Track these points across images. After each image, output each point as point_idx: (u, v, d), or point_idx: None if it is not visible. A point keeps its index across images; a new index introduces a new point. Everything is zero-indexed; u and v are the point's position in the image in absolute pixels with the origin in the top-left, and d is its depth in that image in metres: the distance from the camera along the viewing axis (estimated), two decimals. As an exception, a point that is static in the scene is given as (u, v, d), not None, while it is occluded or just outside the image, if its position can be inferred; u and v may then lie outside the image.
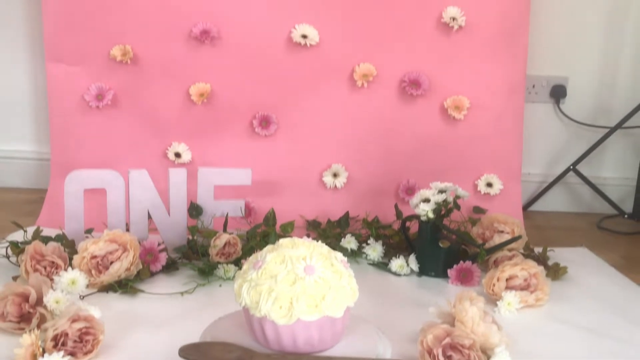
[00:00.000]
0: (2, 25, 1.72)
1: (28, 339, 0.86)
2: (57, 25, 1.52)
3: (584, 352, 1.00)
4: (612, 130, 1.72)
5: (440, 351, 0.87)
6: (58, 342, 0.87)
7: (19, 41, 1.73)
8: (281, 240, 0.79)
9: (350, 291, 0.77)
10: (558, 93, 1.80)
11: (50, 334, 0.87)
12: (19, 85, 1.76)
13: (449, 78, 1.56)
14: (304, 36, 1.52)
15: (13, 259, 1.22)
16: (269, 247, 0.79)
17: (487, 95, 1.57)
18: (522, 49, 1.58)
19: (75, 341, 0.88)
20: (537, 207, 1.84)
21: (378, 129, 1.58)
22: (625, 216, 1.76)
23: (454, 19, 1.53)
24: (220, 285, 1.19)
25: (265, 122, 1.56)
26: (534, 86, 1.80)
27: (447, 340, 0.88)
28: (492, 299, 1.15)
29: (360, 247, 1.36)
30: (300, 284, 0.73)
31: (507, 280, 1.15)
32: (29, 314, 0.96)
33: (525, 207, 1.82)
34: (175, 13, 1.51)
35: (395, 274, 1.29)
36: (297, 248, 0.76)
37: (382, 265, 1.31)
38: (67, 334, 0.88)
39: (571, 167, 1.76)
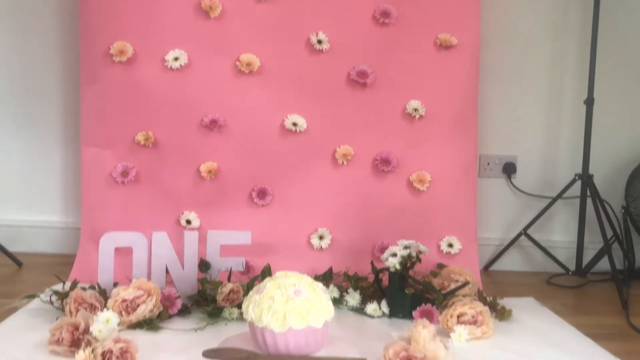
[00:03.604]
0: (41, 115, 2.04)
1: (82, 354, 1.12)
2: (92, 115, 1.84)
3: (515, 367, 1.26)
4: (554, 200, 2.03)
5: (398, 362, 1.14)
6: (105, 357, 1.13)
7: (54, 129, 2.05)
8: (277, 273, 1.07)
9: (327, 309, 1.04)
10: (509, 169, 2.12)
11: (99, 350, 1.13)
12: (52, 165, 2.07)
13: (413, 157, 1.87)
14: (295, 124, 1.85)
15: (55, 305, 1.48)
16: (268, 278, 1.07)
17: (446, 170, 1.88)
18: (473, 133, 1.91)
19: (117, 357, 1.14)
20: (496, 267, 2.11)
21: (356, 199, 1.87)
22: (570, 273, 2.04)
23: (415, 109, 1.87)
24: (226, 324, 1.45)
25: (262, 193, 1.86)
26: (488, 164, 2.12)
27: (404, 354, 1.15)
28: (447, 332, 1.41)
29: (341, 296, 1.62)
30: (291, 303, 1.01)
31: (458, 316, 1.42)
32: (78, 340, 1.22)
33: (486, 267, 2.10)
34: (189, 106, 1.83)
35: (370, 316, 1.55)
36: (289, 278, 1.05)
37: (360, 310, 1.58)
38: (111, 351, 1.14)
39: (522, 231, 2.05)
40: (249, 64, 1.83)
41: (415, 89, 1.87)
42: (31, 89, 2.04)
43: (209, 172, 1.83)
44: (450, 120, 1.88)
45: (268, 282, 1.04)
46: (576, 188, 2.02)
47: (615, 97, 2.11)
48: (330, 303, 1.06)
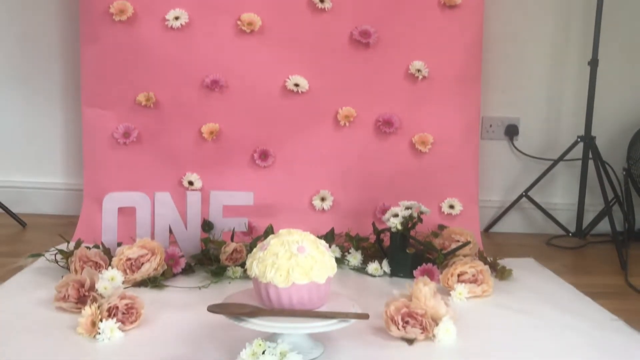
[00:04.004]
0: (41, 76, 2.03)
1: (89, 310, 1.14)
2: (92, 75, 1.83)
3: (512, 324, 1.28)
4: (555, 162, 2.03)
5: (399, 318, 1.16)
6: (111, 313, 1.15)
7: (54, 90, 2.04)
8: (281, 231, 1.08)
9: (330, 265, 1.05)
10: (512, 131, 2.12)
11: (105, 306, 1.15)
12: (53, 126, 2.06)
13: (416, 118, 1.87)
14: (296, 85, 1.84)
15: (60, 263, 1.50)
16: (271, 235, 1.08)
17: (448, 132, 1.88)
18: (475, 94, 1.90)
19: (123, 313, 1.16)
20: (496, 228, 2.13)
21: (358, 161, 1.88)
22: (570, 235, 2.06)
23: (419, 70, 1.86)
24: (229, 283, 1.47)
25: (264, 155, 1.86)
26: (491, 126, 2.12)
27: (405, 310, 1.17)
28: (447, 291, 1.43)
29: (343, 256, 1.64)
30: (295, 259, 1.02)
31: (458, 275, 1.44)
32: (84, 297, 1.24)
33: (487, 229, 2.12)
34: (190, 66, 1.82)
35: (371, 275, 1.57)
36: (292, 235, 1.06)
37: (361, 269, 1.60)
38: (117, 307, 1.15)
39: (524, 193, 2.06)
40: (250, 24, 1.81)
41: (418, 49, 1.86)
42: (30, 49, 2.03)
43: (211, 133, 1.83)
44: (453, 82, 1.87)
45: (272, 239, 1.05)
46: (578, 150, 2.02)
47: (619, 58, 2.09)
48: (333, 259, 1.08)
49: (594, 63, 1.95)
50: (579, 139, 2.00)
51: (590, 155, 1.98)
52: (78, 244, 1.51)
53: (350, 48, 1.85)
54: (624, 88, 2.12)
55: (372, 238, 1.69)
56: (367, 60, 1.85)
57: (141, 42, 1.80)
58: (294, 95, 1.84)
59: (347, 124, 1.86)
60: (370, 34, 1.84)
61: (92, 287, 1.25)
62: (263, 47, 1.83)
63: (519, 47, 2.08)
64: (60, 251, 1.50)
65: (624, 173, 2.03)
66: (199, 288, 1.42)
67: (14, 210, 1.95)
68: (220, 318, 1.09)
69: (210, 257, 1.55)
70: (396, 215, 1.57)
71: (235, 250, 1.53)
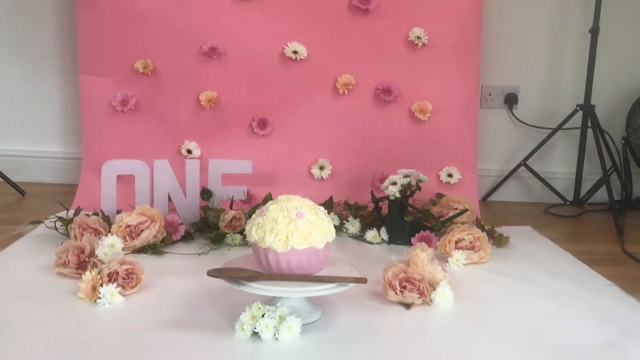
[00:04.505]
0: (37, 43, 2.01)
1: (89, 275, 1.14)
2: (89, 42, 1.82)
3: (508, 290, 1.30)
4: (554, 131, 2.03)
5: (397, 283, 1.17)
6: (111, 278, 1.16)
7: (51, 57, 2.02)
8: (280, 197, 1.08)
9: (329, 230, 1.06)
10: (511, 100, 2.11)
11: (105, 272, 1.15)
12: (50, 94, 2.05)
13: (415, 86, 1.86)
14: (295, 52, 1.83)
15: (60, 230, 1.50)
16: (270, 201, 1.08)
17: (447, 100, 1.87)
18: (475, 62, 1.89)
19: (123, 278, 1.17)
20: (494, 197, 2.14)
21: (357, 129, 1.87)
22: (567, 203, 2.07)
23: (418, 37, 1.84)
24: (229, 249, 1.48)
25: (262, 123, 1.86)
26: (490, 94, 2.11)
27: (403, 275, 1.18)
28: (445, 258, 1.44)
29: (341, 224, 1.65)
30: (294, 224, 1.02)
31: (456, 242, 1.45)
32: (84, 262, 1.25)
33: (485, 198, 2.13)
34: (188, 33, 1.81)
35: (369, 242, 1.58)
36: (291, 201, 1.06)
37: (359, 237, 1.61)
38: (117, 272, 1.16)
39: (522, 162, 2.06)
40: (248, -10, 1.79)
41: (418, 16, 1.84)
42: (26, 16, 2.00)
43: (209, 101, 1.82)
44: (453, 49, 1.86)
45: (271, 205, 1.05)
46: (577, 119, 2.02)
47: (621, 26, 2.07)
48: (332, 225, 1.08)
49: (594, 31, 1.94)
50: (578, 108, 1.99)
51: (589, 124, 1.98)
52: (77, 212, 1.51)
53: (349, 14, 1.83)
54: (625, 56, 2.10)
55: (371, 206, 1.69)
56: (366, 27, 1.84)
57: (138, 8, 1.77)
58: (293, 62, 1.83)
59: (346, 92, 1.85)
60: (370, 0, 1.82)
61: (92, 253, 1.26)
62: (261, 13, 1.81)
63: (519, 14, 2.05)
64: (60, 218, 1.51)
65: (623, 142, 2.03)
66: (199, 255, 1.43)
67: (13, 179, 1.95)
68: (219, 282, 1.10)
69: (209, 225, 1.56)
70: (395, 184, 1.57)
71: (234, 217, 1.53)
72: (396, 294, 1.16)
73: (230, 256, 1.40)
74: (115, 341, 1.00)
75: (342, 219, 1.67)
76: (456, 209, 1.64)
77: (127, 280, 1.17)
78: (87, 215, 1.49)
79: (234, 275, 1.03)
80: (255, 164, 1.67)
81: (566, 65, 2.10)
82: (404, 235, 1.56)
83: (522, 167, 2.06)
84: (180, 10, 1.79)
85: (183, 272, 1.31)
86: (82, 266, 1.24)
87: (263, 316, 1.00)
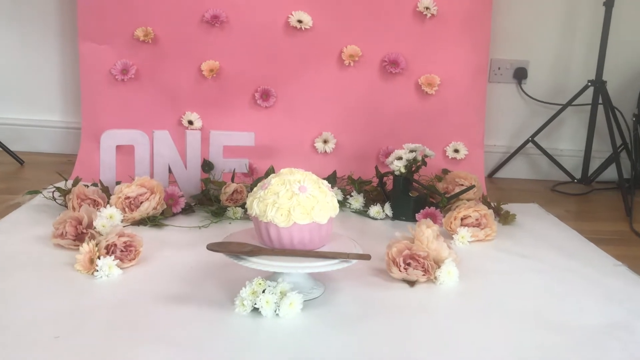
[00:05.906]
0: (36, 10, 1.96)
1: (87, 247, 1.12)
2: (89, 9, 1.77)
3: (514, 268, 1.27)
4: (564, 107, 1.98)
5: (401, 260, 1.14)
6: (109, 250, 1.13)
7: (50, 24, 1.97)
8: (282, 170, 1.05)
9: (332, 205, 1.03)
10: (520, 75, 2.06)
11: (103, 244, 1.13)
12: (49, 62, 2.01)
13: (422, 58, 1.81)
14: (300, 21, 1.78)
15: (58, 201, 1.48)
16: (272, 174, 1.05)
17: (455, 74, 1.82)
18: (485, 35, 1.84)
19: (121, 251, 1.14)
20: (501, 174, 2.10)
21: (362, 102, 1.83)
22: (575, 181, 2.03)
23: (427, 8, 1.79)
24: (230, 223, 1.45)
25: (265, 95, 1.82)
26: (499, 68, 2.06)
27: (407, 252, 1.15)
28: (450, 234, 1.41)
29: (345, 199, 1.62)
30: (296, 198, 0.99)
31: (462, 219, 1.42)
32: (82, 234, 1.22)
33: (491, 174, 2.09)
34: (190, 0, 1.75)
35: (373, 218, 1.55)
36: (294, 174, 1.03)
37: (363, 212, 1.58)
38: (115, 245, 1.14)
39: (530, 139, 2.02)
40: (252, -44, 1.73)
41: (427, -15, 1.78)
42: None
43: (211, 70, 1.78)
44: (462, 21, 1.81)
45: (273, 178, 1.02)
46: (587, 95, 1.97)
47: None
48: (335, 200, 1.05)
49: (609, 3, 1.88)
50: (589, 83, 1.95)
51: (600, 101, 1.93)
52: (76, 182, 1.48)
53: (357, -18, 1.77)
54: (639, 31, 2.04)
55: (375, 181, 1.66)
56: (374, -3, 1.78)
57: (138, -26, 1.73)
58: (297, 32, 1.78)
59: (352, 63, 1.80)
60: (378, -32, 1.76)
61: (90, 225, 1.23)
62: (265, -20, 1.76)
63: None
64: (58, 189, 1.48)
65: (634, 119, 1.98)
66: (199, 228, 1.40)
67: (12, 148, 1.92)
68: (220, 257, 1.07)
69: (210, 198, 1.53)
70: (400, 159, 1.53)
71: (235, 191, 1.50)
72: (400, 271, 1.14)
73: (231, 230, 1.38)
74: (112, 314, 0.98)
75: (346, 193, 1.64)
76: (462, 185, 1.60)
77: (125, 252, 1.14)
78: (86, 185, 1.46)
79: (235, 250, 1.01)
80: (257, 136, 1.64)
81: (578, 39, 2.05)
82: (409, 211, 1.53)
83: (530, 144, 2.02)
84: (182, -23, 1.74)
85: (183, 246, 1.29)
86: (79, 237, 1.22)
87: (264, 292, 0.98)
